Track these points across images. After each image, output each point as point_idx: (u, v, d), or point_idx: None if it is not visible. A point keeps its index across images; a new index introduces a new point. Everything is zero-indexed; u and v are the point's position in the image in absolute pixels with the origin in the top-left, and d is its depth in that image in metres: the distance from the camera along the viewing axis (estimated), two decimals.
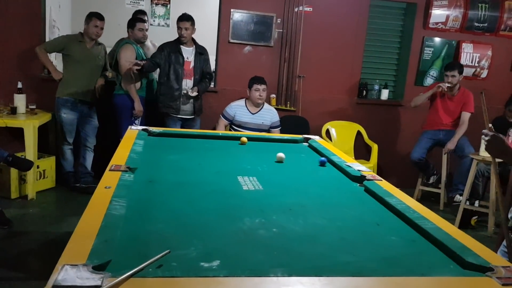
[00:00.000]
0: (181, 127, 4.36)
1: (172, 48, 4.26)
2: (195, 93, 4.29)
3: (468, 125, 4.77)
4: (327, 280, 1.23)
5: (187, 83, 4.32)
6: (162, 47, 4.29)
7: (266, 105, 4.63)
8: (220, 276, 1.19)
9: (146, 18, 4.95)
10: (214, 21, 5.21)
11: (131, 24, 4.51)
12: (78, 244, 1.28)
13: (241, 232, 1.59)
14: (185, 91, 4.30)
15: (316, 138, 3.38)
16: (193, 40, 4.37)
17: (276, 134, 4.17)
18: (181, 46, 4.29)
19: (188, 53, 4.33)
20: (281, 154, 2.67)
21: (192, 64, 4.33)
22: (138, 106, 4.36)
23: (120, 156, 2.33)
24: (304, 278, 1.22)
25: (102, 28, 4.35)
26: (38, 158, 4.37)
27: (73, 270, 1.13)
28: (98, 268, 1.16)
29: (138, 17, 4.67)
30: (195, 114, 4.45)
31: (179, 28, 4.25)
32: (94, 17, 4.31)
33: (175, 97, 4.28)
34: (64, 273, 1.11)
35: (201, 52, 4.40)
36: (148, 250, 1.33)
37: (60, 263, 1.16)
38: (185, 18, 4.24)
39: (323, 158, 2.74)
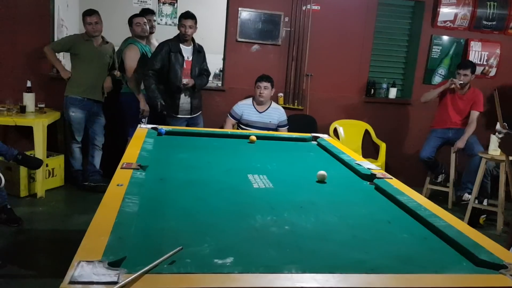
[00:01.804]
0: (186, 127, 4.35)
1: (173, 47, 4.21)
2: (191, 83, 4.24)
3: (477, 124, 4.75)
4: (341, 277, 1.23)
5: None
6: (162, 47, 4.22)
7: (273, 104, 4.63)
8: (234, 273, 1.20)
9: (154, 15, 4.96)
10: (221, 20, 5.22)
11: (130, 21, 4.53)
12: (93, 241, 1.29)
13: (253, 229, 1.59)
14: (182, 86, 4.27)
15: (325, 136, 3.38)
16: (192, 38, 4.35)
17: (284, 133, 4.17)
18: (181, 45, 4.27)
19: (188, 52, 4.30)
20: (322, 172, 2.26)
21: (191, 64, 4.32)
22: (144, 106, 4.38)
23: (131, 154, 2.34)
24: (318, 275, 1.22)
25: (97, 22, 4.32)
26: (47, 157, 4.40)
27: (89, 267, 1.14)
28: (113, 265, 1.17)
29: (135, 13, 4.67)
30: (192, 112, 4.42)
31: (182, 25, 4.19)
32: (84, 15, 4.33)
33: (175, 97, 4.26)
34: (80, 269, 1.12)
35: (199, 50, 4.38)
36: (162, 247, 1.34)
37: (75, 259, 1.17)
38: (189, 16, 4.21)
39: (161, 129, 2.98)
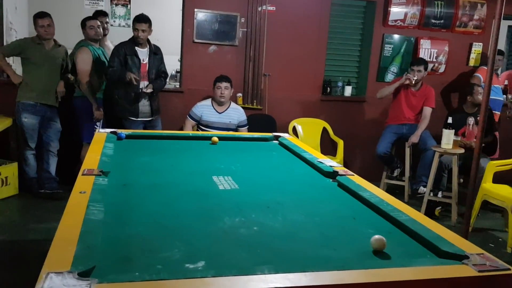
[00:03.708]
0: (144, 129, 4.28)
1: (128, 50, 4.16)
2: (149, 90, 4.20)
3: (429, 119, 4.95)
4: (313, 275, 1.25)
5: (144, 85, 4.25)
6: (118, 50, 4.16)
7: (232, 104, 4.63)
8: (208, 277, 1.19)
9: (107, 17, 4.85)
10: (177, 20, 5.17)
11: (83, 23, 4.42)
12: (60, 251, 1.26)
13: (222, 231, 1.60)
14: (139, 90, 4.22)
15: (286, 135, 3.42)
16: (148, 40, 4.30)
17: (246, 133, 4.18)
18: (136, 47, 4.20)
19: (144, 54, 4.25)
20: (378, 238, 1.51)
21: (147, 66, 4.26)
22: (96, 110, 4.29)
23: (92, 160, 2.28)
24: (290, 275, 1.23)
25: (49, 25, 4.19)
26: (0, 165, 4.21)
27: (59, 278, 1.11)
28: (83, 275, 1.14)
29: (88, 16, 4.57)
30: (153, 115, 4.37)
31: (135, 29, 4.15)
32: (36, 17, 4.19)
33: (133, 100, 4.19)
34: (50, 281, 1.09)
35: (155, 52, 4.33)
36: (131, 254, 1.32)
37: (43, 271, 1.14)
38: (142, 20, 4.15)
39: (121, 133, 3.03)
